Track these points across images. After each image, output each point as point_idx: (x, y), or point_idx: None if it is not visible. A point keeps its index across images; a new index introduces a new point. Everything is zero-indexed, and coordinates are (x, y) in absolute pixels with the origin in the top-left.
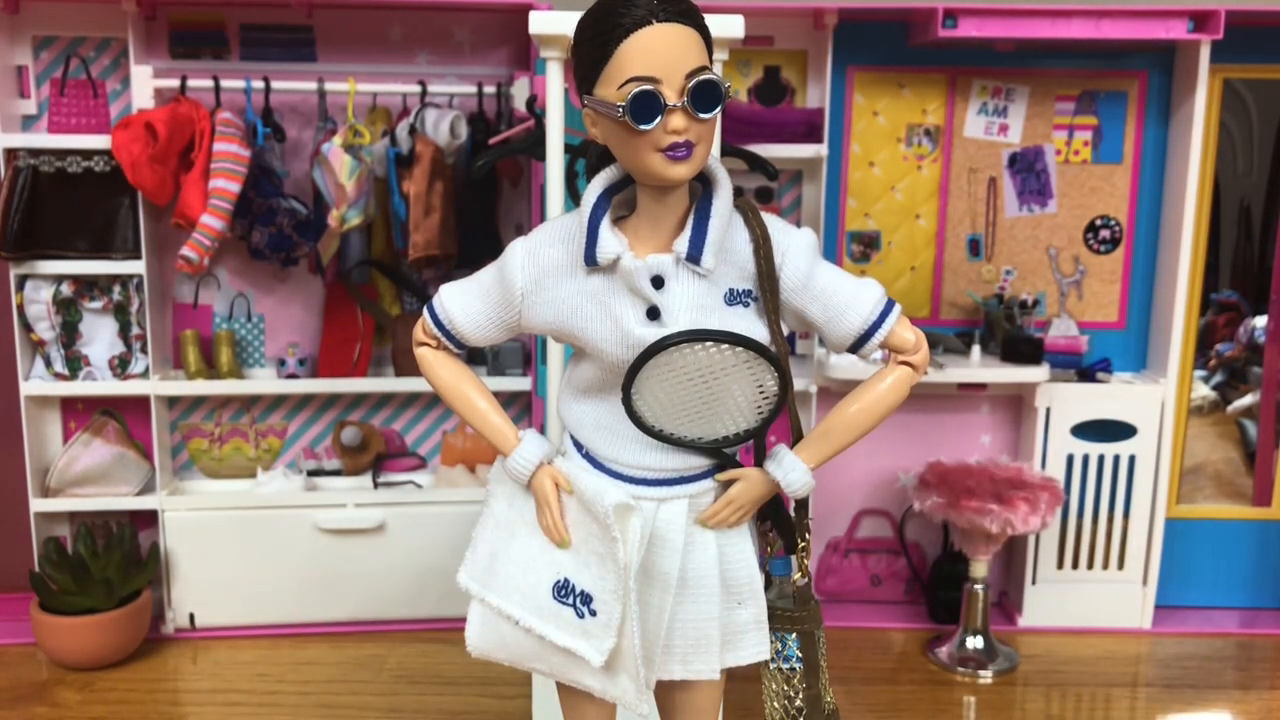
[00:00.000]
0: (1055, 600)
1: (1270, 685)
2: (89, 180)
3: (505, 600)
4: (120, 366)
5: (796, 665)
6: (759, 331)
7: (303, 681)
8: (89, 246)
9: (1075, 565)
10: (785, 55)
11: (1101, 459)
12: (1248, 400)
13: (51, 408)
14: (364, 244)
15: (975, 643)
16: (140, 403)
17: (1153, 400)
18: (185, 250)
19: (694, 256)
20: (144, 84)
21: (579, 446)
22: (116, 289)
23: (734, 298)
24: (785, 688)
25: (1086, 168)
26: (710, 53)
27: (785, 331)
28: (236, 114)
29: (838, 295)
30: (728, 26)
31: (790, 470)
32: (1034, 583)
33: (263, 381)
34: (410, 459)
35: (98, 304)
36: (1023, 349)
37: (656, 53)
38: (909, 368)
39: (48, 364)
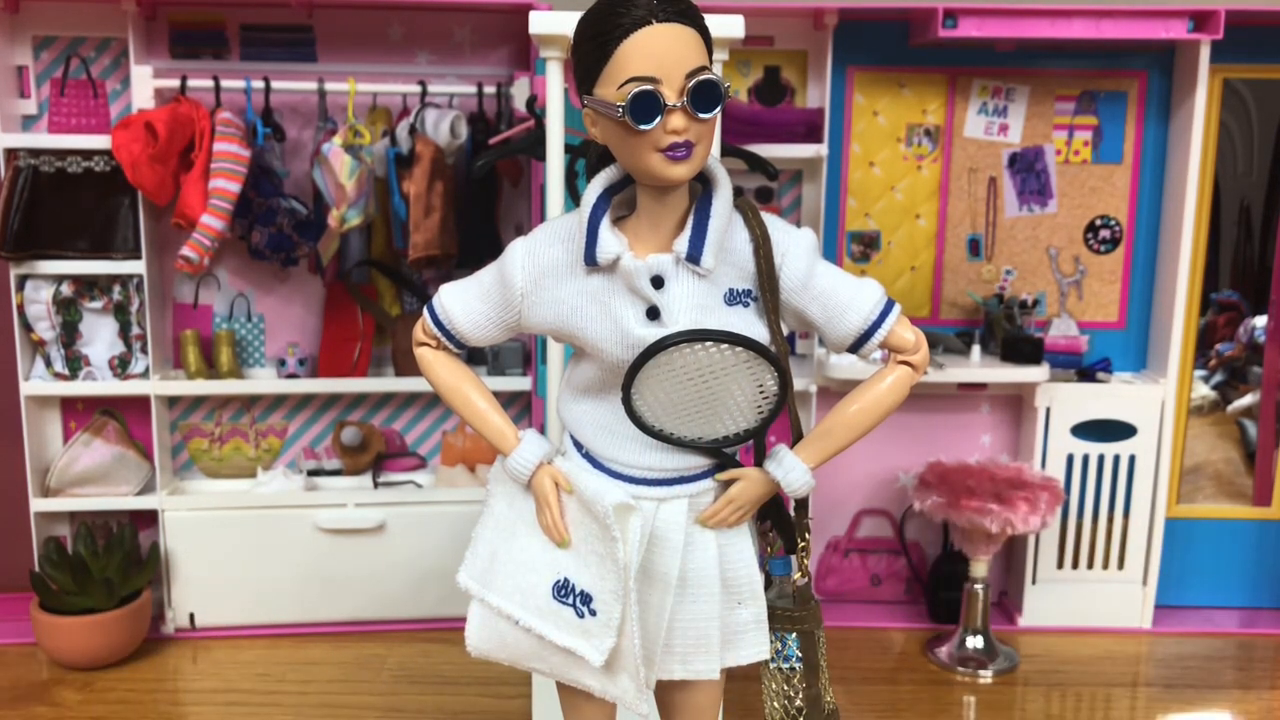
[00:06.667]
0: (1055, 600)
1: (1270, 685)
2: (89, 180)
3: (505, 600)
4: (120, 366)
5: (796, 665)
6: (759, 331)
7: (303, 681)
8: (89, 246)
9: (1075, 565)
10: (785, 55)
11: (1101, 459)
12: (1248, 400)
13: (51, 408)
14: (364, 244)
15: (975, 642)
16: (140, 403)
17: (1153, 400)
18: (185, 250)
19: (694, 256)
20: (144, 84)
21: (579, 446)
22: (116, 289)
23: (734, 298)
24: (785, 687)
25: (1086, 168)
26: (710, 53)
27: (785, 331)
28: (236, 114)
29: (837, 295)
30: (728, 26)
31: (790, 470)
32: (1034, 582)
33: (263, 381)
34: (410, 459)
35: (98, 304)
36: (1023, 349)
37: (656, 53)
38: (909, 367)
39: (48, 364)
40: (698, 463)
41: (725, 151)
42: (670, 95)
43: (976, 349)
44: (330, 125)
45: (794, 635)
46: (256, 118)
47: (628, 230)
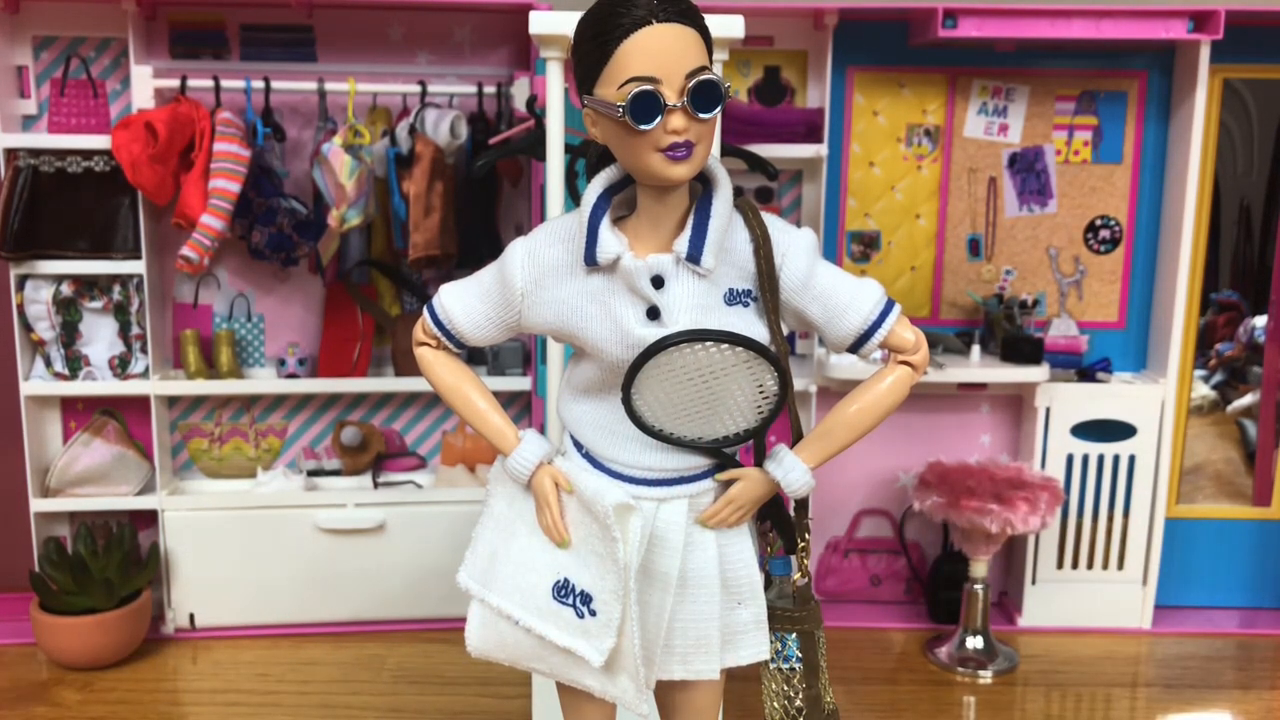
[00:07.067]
0: (1055, 600)
1: (1270, 685)
2: (89, 180)
3: (505, 600)
4: (120, 366)
5: (796, 665)
6: (759, 331)
7: (303, 681)
8: (89, 246)
9: (1075, 565)
10: (785, 55)
11: (1101, 459)
12: (1248, 400)
13: (51, 408)
14: (364, 244)
15: (975, 643)
16: (140, 402)
17: (1153, 400)
18: (185, 250)
19: (694, 256)
20: (144, 84)
21: (579, 446)
22: (116, 289)
23: (734, 297)
24: (785, 688)
25: (1086, 168)
26: (710, 53)
27: (785, 331)
28: (236, 114)
29: (837, 295)
30: (728, 26)
31: (790, 470)
32: (1034, 583)
33: (263, 381)
34: (410, 459)
35: (98, 304)
36: (1023, 349)
37: (656, 53)
38: (909, 367)
39: (48, 364)
40: (698, 463)
41: (725, 151)
42: (670, 95)
43: (976, 349)
44: (330, 125)
45: (794, 635)
46: (256, 118)
47: (628, 230)
